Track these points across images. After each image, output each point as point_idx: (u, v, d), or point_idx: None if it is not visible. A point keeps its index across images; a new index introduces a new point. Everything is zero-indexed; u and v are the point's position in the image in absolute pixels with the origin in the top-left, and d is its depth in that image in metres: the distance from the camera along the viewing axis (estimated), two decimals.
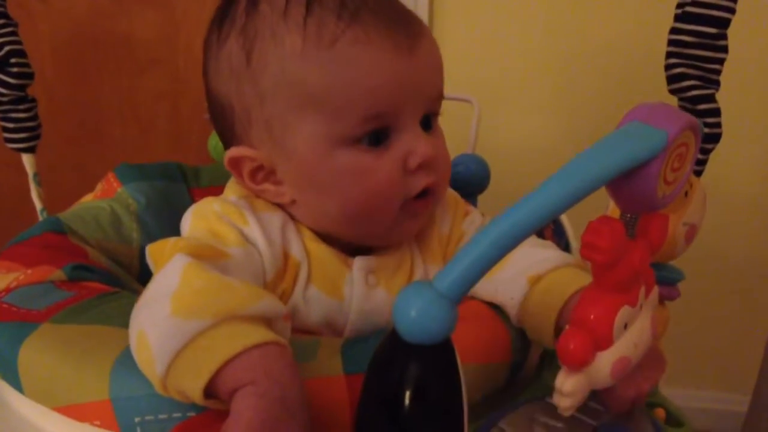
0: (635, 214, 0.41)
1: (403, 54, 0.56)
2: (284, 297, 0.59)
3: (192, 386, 0.42)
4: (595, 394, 0.45)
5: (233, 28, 0.58)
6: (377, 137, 0.57)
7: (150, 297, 0.46)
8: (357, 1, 0.56)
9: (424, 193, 0.59)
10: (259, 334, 0.43)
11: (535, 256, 0.59)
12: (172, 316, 0.43)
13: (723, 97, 0.64)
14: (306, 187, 0.59)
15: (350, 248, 0.62)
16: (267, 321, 0.46)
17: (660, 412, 0.53)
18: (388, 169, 0.57)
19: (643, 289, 0.42)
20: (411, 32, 0.57)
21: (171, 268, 0.47)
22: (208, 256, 0.51)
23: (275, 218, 0.60)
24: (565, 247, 0.76)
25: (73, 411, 0.48)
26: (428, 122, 0.60)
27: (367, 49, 0.55)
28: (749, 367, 1.26)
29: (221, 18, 0.60)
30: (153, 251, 0.53)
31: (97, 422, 0.47)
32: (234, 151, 0.60)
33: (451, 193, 0.70)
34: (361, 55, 0.54)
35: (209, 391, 0.42)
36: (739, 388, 1.43)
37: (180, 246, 0.50)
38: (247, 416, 0.39)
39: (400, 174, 0.57)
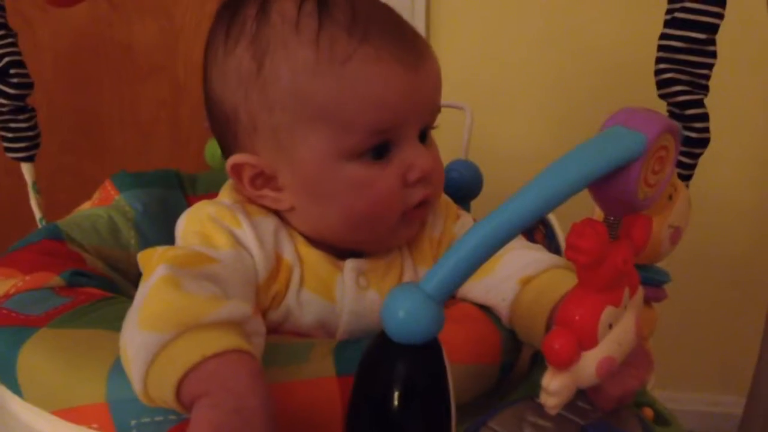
0: (618, 217, 0.42)
1: (410, 72, 0.57)
2: (278, 298, 0.59)
3: (166, 398, 0.42)
4: (583, 394, 0.46)
5: (242, 36, 0.59)
6: (380, 151, 0.58)
7: (131, 309, 0.47)
8: (367, 18, 0.57)
9: (421, 204, 0.61)
10: (219, 343, 0.43)
11: (525, 259, 0.60)
12: (139, 329, 0.44)
13: (711, 102, 0.65)
14: (307, 196, 0.60)
15: (341, 252, 0.63)
16: (236, 324, 0.45)
17: (648, 412, 0.53)
18: (389, 182, 0.58)
19: (627, 290, 0.42)
20: (417, 51, 0.59)
21: (149, 281, 0.48)
22: (193, 263, 0.52)
23: (268, 222, 0.61)
24: (556, 250, 0.77)
25: (71, 414, 0.49)
26: (424, 135, 0.62)
27: (378, 67, 0.56)
28: (745, 368, 1.27)
29: (228, 26, 0.61)
30: (141, 260, 0.54)
31: (95, 425, 0.48)
32: (237, 158, 0.61)
33: (442, 197, 0.71)
34: (372, 73, 0.56)
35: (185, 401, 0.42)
36: (734, 390, 1.43)
37: (166, 256, 0.51)
38: (198, 429, 0.40)
39: (400, 186, 0.59)
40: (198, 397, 0.41)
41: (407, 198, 0.60)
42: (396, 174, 0.59)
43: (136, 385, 0.43)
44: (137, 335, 0.44)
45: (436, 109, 0.62)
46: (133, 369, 0.43)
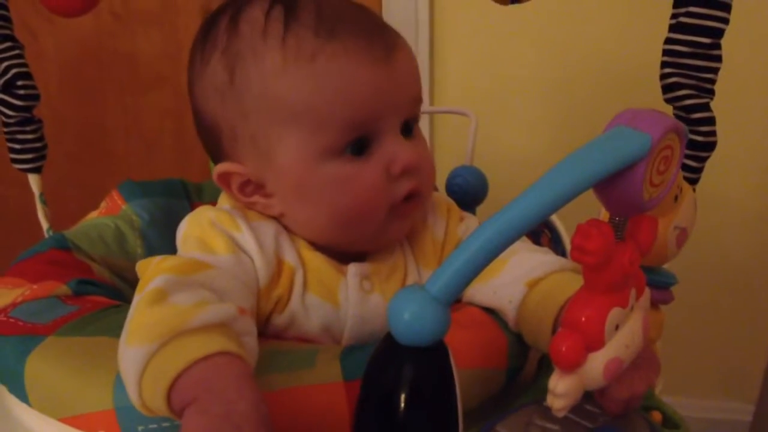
0: (624, 217, 0.42)
1: (381, 65, 0.58)
2: (281, 303, 0.59)
3: (161, 407, 0.42)
4: (591, 397, 0.46)
5: (215, 49, 0.60)
6: (360, 147, 0.58)
7: (125, 322, 0.47)
8: (333, 16, 0.58)
9: (410, 197, 0.61)
10: (204, 347, 0.42)
11: (532, 261, 0.60)
12: (127, 345, 0.44)
13: (717, 105, 0.65)
14: (293, 200, 0.60)
15: (344, 256, 0.63)
16: (221, 325, 0.45)
17: (656, 415, 0.53)
18: (372, 177, 0.58)
19: (633, 291, 0.42)
20: (387, 43, 0.59)
21: (139, 295, 0.49)
22: (187, 272, 0.52)
23: (268, 226, 0.61)
24: (562, 254, 0.77)
25: (78, 421, 0.49)
26: (409, 128, 0.62)
27: (346, 63, 0.56)
28: (751, 375, 1.26)
29: (203, 39, 0.62)
30: (139, 270, 0.55)
31: (102, 431, 0.48)
32: (222, 167, 0.61)
33: (445, 199, 0.71)
34: (340, 69, 0.56)
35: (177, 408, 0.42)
36: (740, 397, 1.42)
37: (161, 267, 0.51)
38: None
39: (384, 181, 0.59)
40: (187, 403, 0.41)
41: (393, 192, 0.59)
42: (378, 168, 0.58)
43: (134, 399, 0.44)
44: (126, 351, 0.44)
45: (415, 101, 0.62)
46: (128, 384, 0.44)
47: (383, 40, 0.59)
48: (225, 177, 0.61)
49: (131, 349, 0.44)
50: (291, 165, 0.59)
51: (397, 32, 0.62)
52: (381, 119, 0.58)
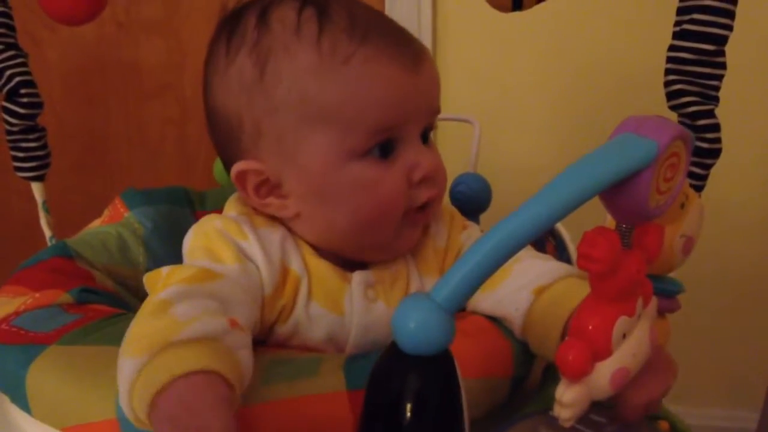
0: (630, 225, 0.42)
1: (409, 71, 0.59)
2: (284, 313, 0.59)
3: (146, 421, 0.42)
4: (598, 407, 0.46)
5: (243, 44, 0.60)
6: (385, 150, 0.59)
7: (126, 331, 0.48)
8: (365, 22, 0.59)
9: (425, 205, 0.61)
10: (186, 363, 0.42)
11: (538, 269, 0.59)
12: (121, 357, 0.45)
13: (722, 112, 0.65)
14: (313, 200, 0.60)
15: (348, 262, 0.63)
16: (210, 340, 0.45)
17: (664, 425, 0.52)
18: (395, 181, 0.59)
19: (640, 300, 0.42)
20: (415, 52, 0.60)
21: (146, 304, 0.49)
22: (200, 280, 0.52)
23: (275, 233, 0.61)
24: (567, 262, 0.76)
25: (80, 431, 0.49)
26: (426, 136, 0.62)
27: (378, 67, 0.57)
28: (757, 383, 1.26)
29: (228, 37, 0.62)
30: (147, 283, 0.55)
31: None
32: (241, 165, 0.61)
33: (447, 207, 0.71)
34: (373, 72, 0.57)
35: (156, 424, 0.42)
36: (746, 405, 1.42)
37: (174, 279, 0.52)
38: None
39: (405, 186, 0.60)
40: (165, 420, 0.41)
41: (412, 198, 0.60)
42: (401, 173, 0.59)
43: (126, 411, 0.44)
44: (120, 363, 0.44)
45: (435, 111, 0.64)
46: (120, 394, 0.44)
47: (412, 49, 0.60)
48: (242, 176, 0.61)
49: (124, 359, 0.44)
50: (316, 164, 0.59)
51: (422, 43, 0.63)
52: (406, 124, 0.59)
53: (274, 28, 0.59)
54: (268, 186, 0.61)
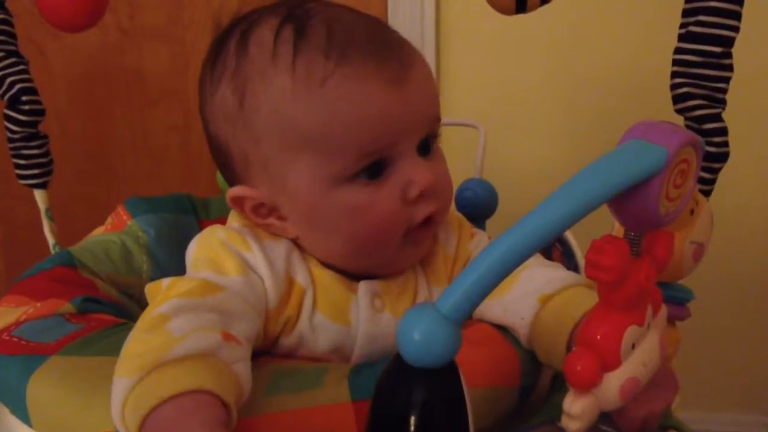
0: (639, 232, 0.41)
1: (393, 88, 0.56)
2: (289, 324, 0.58)
3: None
4: (606, 417, 0.45)
5: (225, 72, 0.59)
6: (374, 171, 0.57)
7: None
8: (344, 38, 0.56)
9: (426, 222, 0.59)
10: (175, 385, 0.42)
11: (544, 277, 0.58)
12: (115, 376, 0.44)
13: (729, 114, 0.64)
14: (308, 226, 0.59)
15: (355, 274, 0.62)
16: (202, 356, 0.45)
17: None
18: (387, 203, 0.57)
19: (650, 309, 0.41)
20: (402, 62, 0.57)
21: (143, 318, 0.49)
22: (200, 293, 0.51)
23: (280, 245, 0.60)
24: (575, 269, 0.76)
25: None
26: (427, 146, 0.60)
27: (358, 86, 0.55)
28: None
29: (213, 62, 0.61)
30: (148, 294, 0.55)
31: None
32: (235, 191, 0.60)
33: (455, 215, 0.70)
34: (351, 93, 0.55)
35: None
36: (760, 410, 1.41)
37: (174, 292, 0.51)
38: None
39: (400, 206, 0.57)
40: None
41: (410, 216, 0.58)
42: (394, 193, 0.57)
43: (120, 430, 0.44)
44: (114, 382, 0.44)
45: (432, 120, 0.60)
46: (114, 417, 0.44)
47: (397, 60, 0.57)
48: (238, 200, 0.60)
49: (117, 379, 0.44)
50: (303, 191, 0.58)
51: (414, 48, 0.60)
52: (397, 142, 0.57)
53: (251, 53, 0.58)
54: (266, 209, 0.60)
